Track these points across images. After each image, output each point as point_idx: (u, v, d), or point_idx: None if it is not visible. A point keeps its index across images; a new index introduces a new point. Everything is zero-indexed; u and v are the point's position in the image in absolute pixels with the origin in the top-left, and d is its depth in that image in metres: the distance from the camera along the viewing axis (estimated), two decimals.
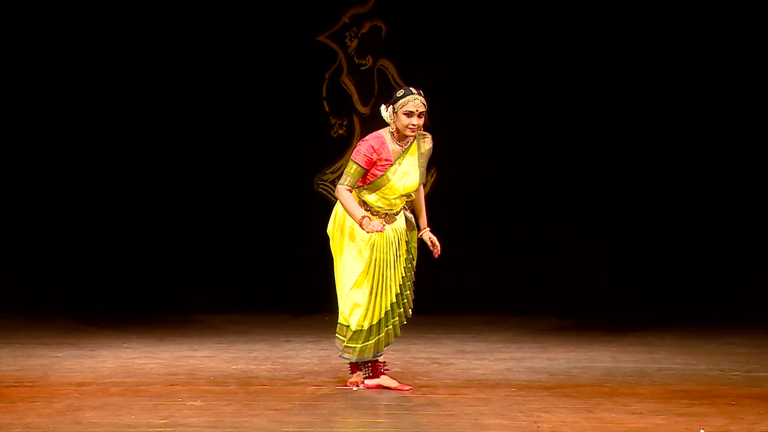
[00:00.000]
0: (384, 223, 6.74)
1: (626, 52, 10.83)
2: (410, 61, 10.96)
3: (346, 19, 11.03)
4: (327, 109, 11.08)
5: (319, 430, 5.82)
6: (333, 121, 11.08)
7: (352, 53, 11.04)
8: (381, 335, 6.86)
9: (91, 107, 11.03)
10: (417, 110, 6.76)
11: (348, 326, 6.88)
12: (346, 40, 11.03)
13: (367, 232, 6.67)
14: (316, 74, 11.06)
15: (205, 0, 11.02)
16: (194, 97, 11.02)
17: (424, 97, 6.80)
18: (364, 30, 11.02)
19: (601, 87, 10.83)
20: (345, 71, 11.04)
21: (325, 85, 11.06)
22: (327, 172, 11.02)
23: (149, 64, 11.00)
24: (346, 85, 11.05)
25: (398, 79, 10.93)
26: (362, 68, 11.04)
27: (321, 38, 11.04)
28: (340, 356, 7.00)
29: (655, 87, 10.85)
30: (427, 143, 6.94)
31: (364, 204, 6.85)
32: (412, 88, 6.83)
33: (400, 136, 6.81)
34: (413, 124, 6.76)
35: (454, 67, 10.94)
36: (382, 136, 6.85)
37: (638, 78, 10.84)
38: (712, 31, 10.75)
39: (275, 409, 6.29)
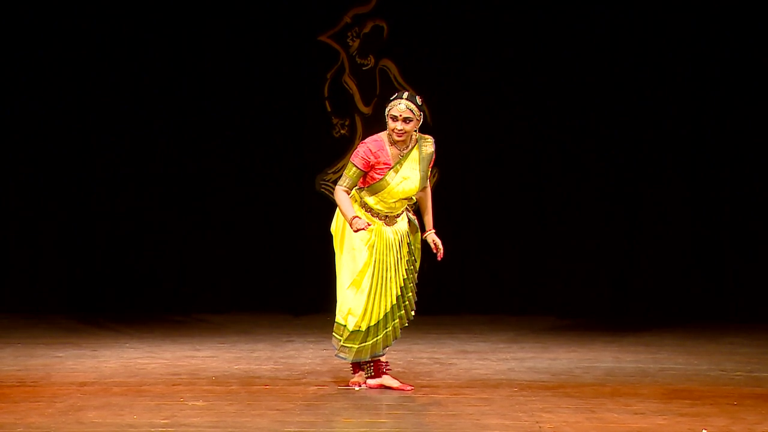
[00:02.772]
0: (369, 224, 6.70)
1: (626, 52, 10.82)
2: (412, 61, 10.95)
3: (347, 19, 11.03)
4: (329, 109, 11.07)
5: (321, 430, 5.82)
6: (335, 121, 11.07)
7: (354, 53, 11.04)
8: (379, 337, 6.85)
9: (90, 106, 11.02)
10: (400, 115, 6.72)
11: (345, 326, 6.86)
12: (348, 40, 11.03)
13: (354, 231, 6.65)
14: (317, 74, 11.05)
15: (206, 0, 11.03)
16: (195, 96, 11.01)
17: (418, 101, 6.74)
18: (366, 30, 11.02)
19: (601, 86, 10.82)
20: (347, 71, 11.04)
21: (326, 84, 11.06)
22: (329, 172, 11.02)
23: (149, 63, 10.99)
24: (347, 85, 11.05)
25: (400, 79, 10.92)
26: (364, 68, 11.04)
27: (323, 38, 11.03)
28: (336, 355, 6.99)
29: (655, 85, 10.84)
30: (429, 147, 6.90)
31: (365, 205, 6.84)
32: (405, 93, 6.80)
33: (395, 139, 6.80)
34: (398, 129, 6.73)
35: (455, 67, 10.93)
36: (381, 140, 6.83)
37: (638, 76, 10.84)
38: (711, 32, 10.75)
39: (277, 409, 6.29)
